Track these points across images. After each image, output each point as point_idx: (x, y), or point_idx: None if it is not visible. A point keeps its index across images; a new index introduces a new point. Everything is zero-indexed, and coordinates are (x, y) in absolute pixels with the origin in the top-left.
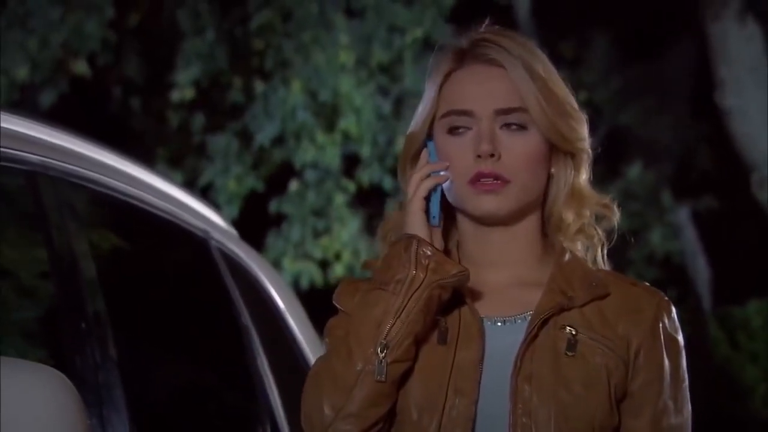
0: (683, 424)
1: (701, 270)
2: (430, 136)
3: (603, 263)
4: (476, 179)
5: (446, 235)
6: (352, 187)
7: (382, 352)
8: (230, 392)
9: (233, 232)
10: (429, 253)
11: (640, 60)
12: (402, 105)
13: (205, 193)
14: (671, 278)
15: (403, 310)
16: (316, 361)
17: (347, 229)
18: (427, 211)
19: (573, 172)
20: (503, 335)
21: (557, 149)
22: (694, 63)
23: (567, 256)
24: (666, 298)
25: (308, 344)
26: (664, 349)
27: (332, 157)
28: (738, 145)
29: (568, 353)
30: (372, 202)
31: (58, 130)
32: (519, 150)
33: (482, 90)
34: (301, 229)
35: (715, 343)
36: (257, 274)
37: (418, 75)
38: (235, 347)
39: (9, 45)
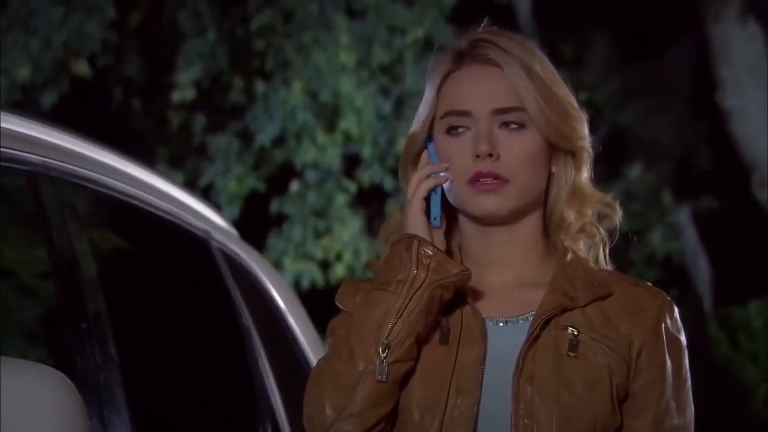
0: (686, 424)
1: (702, 270)
2: (431, 138)
3: (605, 263)
4: (475, 179)
5: (448, 236)
6: (352, 187)
7: (383, 352)
8: (231, 392)
9: (234, 232)
10: (430, 252)
11: (640, 60)
12: (403, 105)
13: (206, 194)
14: (672, 279)
15: (404, 310)
16: (318, 362)
17: (348, 229)
18: (428, 213)
19: (574, 170)
20: (505, 336)
21: (557, 148)
22: (694, 63)
23: (569, 256)
24: (668, 298)
25: (309, 344)
26: (666, 350)
27: (333, 158)
28: (738, 145)
29: (570, 354)
30: (373, 203)
31: (59, 131)
32: (517, 149)
33: (480, 90)
34: (302, 229)
35: (716, 344)
36: (258, 274)
37: (419, 75)
38: (236, 347)
39: (10, 45)
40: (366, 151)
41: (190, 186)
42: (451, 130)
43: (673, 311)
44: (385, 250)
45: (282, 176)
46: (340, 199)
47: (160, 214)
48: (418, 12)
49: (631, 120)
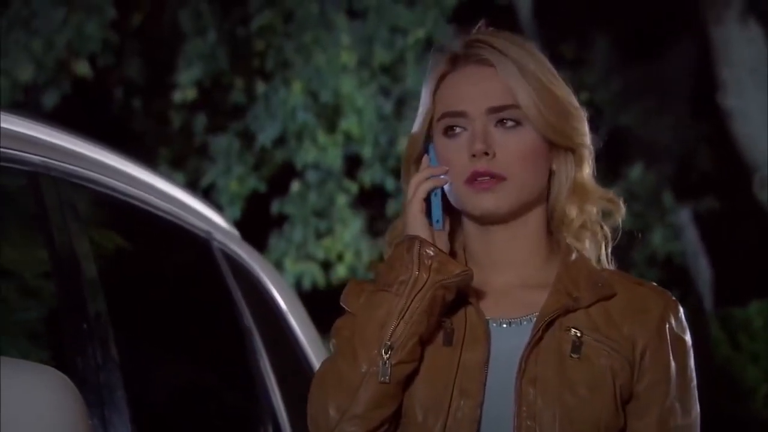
0: (691, 425)
1: (702, 271)
2: (432, 140)
3: (607, 262)
4: (473, 179)
5: (453, 238)
6: (354, 188)
7: (386, 353)
8: (232, 393)
9: (235, 232)
10: (431, 253)
11: (641, 60)
12: (404, 105)
13: (207, 194)
14: (672, 279)
15: (406, 311)
16: (322, 363)
17: (349, 229)
18: (430, 216)
19: (574, 167)
20: (509, 337)
21: (557, 146)
22: (695, 63)
23: (573, 256)
24: (673, 298)
25: (310, 345)
26: (670, 350)
27: (334, 158)
28: (739, 145)
29: (572, 355)
30: (374, 203)
31: (60, 131)
32: (513, 147)
33: (474, 90)
34: (303, 229)
35: (716, 344)
36: (259, 274)
37: (420, 76)
38: (237, 348)
39: (11, 46)
40: (366, 152)
41: (191, 186)
42: (448, 131)
43: (677, 311)
44: (389, 253)
45: (283, 176)
46: (341, 200)
47: (161, 214)
48: (419, 12)
49: (632, 120)
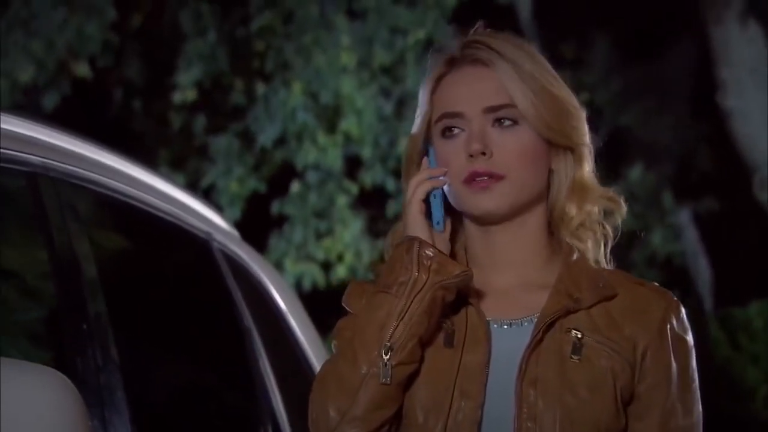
0: (692, 425)
1: (702, 271)
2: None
3: (605, 261)
4: (471, 179)
5: (454, 239)
6: (354, 188)
7: (386, 354)
8: (232, 393)
9: (235, 233)
10: (431, 254)
11: (641, 61)
12: (404, 106)
13: (207, 195)
14: (672, 279)
15: (406, 312)
16: (323, 364)
17: (349, 230)
18: (431, 218)
19: (574, 166)
20: (509, 338)
21: (556, 145)
22: (695, 64)
23: (575, 256)
24: (675, 299)
25: (310, 345)
26: (671, 351)
27: (334, 159)
28: (739, 146)
29: (573, 357)
30: (374, 204)
31: (59, 132)
32: (511, 146)
33: (470, 90)
34: (303, 230)
35: (716, 344)
36: (259, 275)
37: (420, 76)
38: (237, 349)
39: (11, 47)
40: (366, 152)
41: (191, 187)
42: (446, 132)
43: (679, 312)
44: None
45: (283, 177)
46: (342, 200)
47: (161, 215)
48: (419, 13)
49: (632, 121)
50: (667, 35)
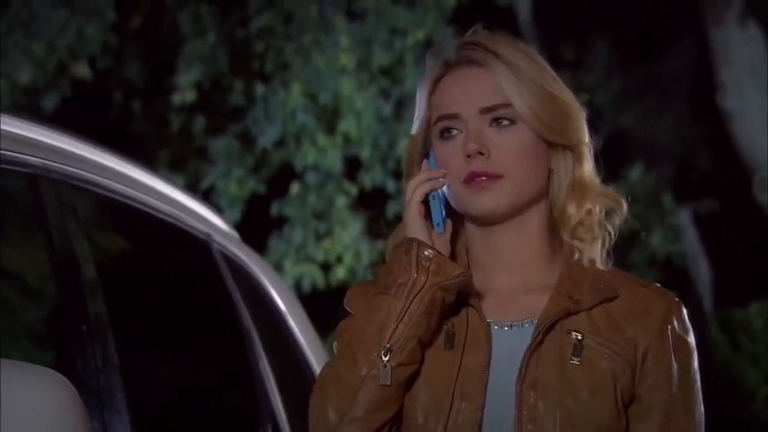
0: (694, 426)
1: (702, 272)
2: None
3: (600, 261)
4: (469, 179)
5: (456, 241)
6: (353, 189)
7: (385, 356)
8: (231, 394)
9: (235, 234)
10: (430, 255)
11: (641, 62)
12: (403, 107)
13: (207, 197)
14: (672, 280)
15: (405, 314)
16: (324, 366)
17: (349, 231)
18: (431, 220)
19: (573, 164)
20: (510, 340)
21: (555, 144)
22: (695, 64)
23: (576, 256)
24: (676, 299)
25: (309, 346)
26: (672, 352)
27: (333, 160)
28: (739, 146)
29: (573, 359)
30: (374, 205)
31: (59, 133)
32: (509, 145)
33: (467, 92)
34: (303, 231)
35: (716, 345)
36: (259, 276)
37: (419, 77)
38: (237, 350)
39: (11, 48)
40: (365, 153)
41: (191, 189)
42: (445, 134)
43: (680, 312)
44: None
45: (282, 178)
46: (341, 202)
47: (161, 216)
48: (418, 14)
49: (632, 122)
50: (666, 36)
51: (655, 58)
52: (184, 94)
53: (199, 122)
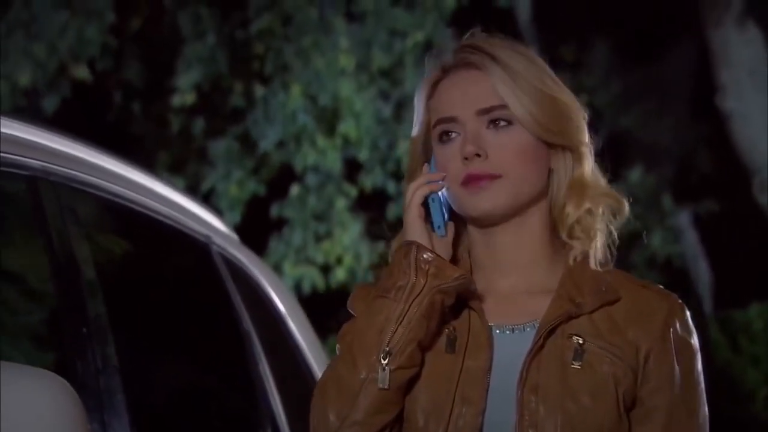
0: (697, 428)
1: (702, 273)
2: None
3: (594, 261)
4: (467, 181)
5: (458, 243)
6: (353, 191)
7: (384, 359)
8: (231, 396)
9: (234, 236)
10: (429, 258)
11: (641, 63)
12: (403, 109)
13: (207, 199)
14: (672, 281)
15: (404, 317)
16: (325, 369)
17: (349, 233)
18: (432, 223)
19: (573, 164)
20: (511, 344)
21: (554, 145)
22: (694, 66)
23: (577, 258)
24: (678, 301)
25: (309, 348)
26: (674, 354)
27: (333, 161)
28: (738, 148)
29: (574, 363)
30: (373, 207)
31: (59, 135)
32: (507, 146)
33: (464, 94)
34: (303, 233)
35: (716, 347)
36: (258, 278)
37: (418, 79)
38: (237, 352)
39: (11, 50)
40: (363, 155)
41: (191, 191)
42: (443, 137)
43: (682, 314)
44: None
45: (282, 180)
46: (341, 203)
47: (161, 218)
48: (418, 16)
49: (632, 123)
50: (666, 37)
51: (654, 60)
52: (183, 95)
53: (199, 124)
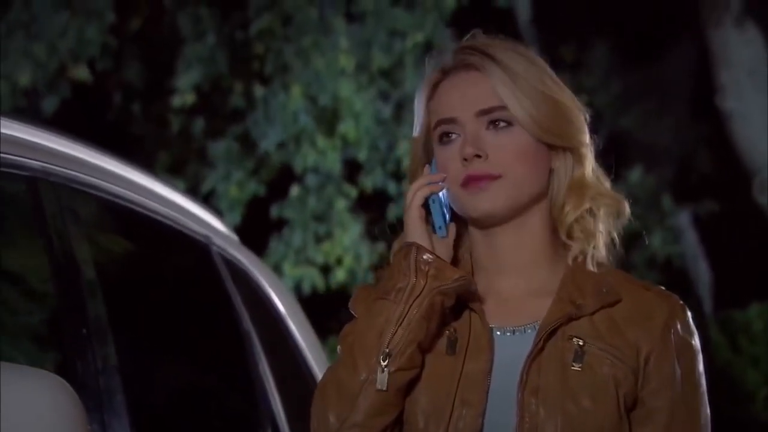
0: (699, 429)
1: (702, 273)
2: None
3: (592, 261)
4: (467, 182)
5: (460, 244)
6: (353, 192)
7: (384, 361)
8: (231, 397)
9: (234, 237)
10: (429, 259)
11: (640, 63)
12: (402, 109)
13: (207, 200)
14: (672, 282)
15: (404, 318)
16: (326, 371)
17: (348, 234)
18: (433, 224)
19: (574, 165)
20: (512, 346)
21: (554, 146)
22: (694, 66)
23: (578, 258)
24: (679, 302)
25: (309, 349)
26: (675, 355)
27: (333, 162)
28: (738, 148)
29: (574, 365)
30: (373, 207)
31: (59, 136)
32: (506, 146)
33: (463, 96)
34: (303, 234)
35: (716, 347)
36: (258, 279)
37: (419, 80)
38: (236, 352)
39: (11, 50)
40: (362, 155)
41: (191, 192)
42: (444, 138)
43: (684, 315)
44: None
45: (282, 181)
46: (341, 204)
47: (161, 219)
48: (418, 16)
49: (632, 123)
50: (666, 38)
51: (654, 60)
52: (183, 96)
53: (199, 124)
